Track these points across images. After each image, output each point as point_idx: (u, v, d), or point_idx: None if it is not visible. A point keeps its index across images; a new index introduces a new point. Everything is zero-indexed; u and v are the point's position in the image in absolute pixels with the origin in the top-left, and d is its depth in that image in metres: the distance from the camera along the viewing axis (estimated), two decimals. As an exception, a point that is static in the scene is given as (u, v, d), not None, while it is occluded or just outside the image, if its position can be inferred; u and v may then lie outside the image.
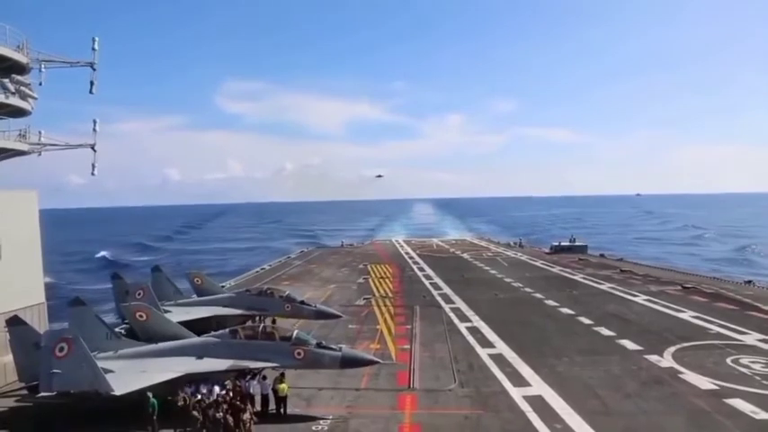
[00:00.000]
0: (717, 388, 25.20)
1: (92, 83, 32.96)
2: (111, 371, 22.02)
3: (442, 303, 46.25)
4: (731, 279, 56.41)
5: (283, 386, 23.35)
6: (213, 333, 26.71)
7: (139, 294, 31.50)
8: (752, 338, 32.91)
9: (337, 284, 56.96)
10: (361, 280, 59.71)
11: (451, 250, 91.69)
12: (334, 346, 25.13)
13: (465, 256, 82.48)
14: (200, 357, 24.58)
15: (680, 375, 27.19)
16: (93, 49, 32.91)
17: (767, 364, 28.06)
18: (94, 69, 32.75)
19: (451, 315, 41.65)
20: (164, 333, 26.93)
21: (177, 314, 32.33)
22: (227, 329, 26.45)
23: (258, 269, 69.31)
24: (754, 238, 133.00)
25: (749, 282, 53.85)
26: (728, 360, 29.11)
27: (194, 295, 39.22)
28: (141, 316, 27.74)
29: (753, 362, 28.59)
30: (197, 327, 29.78)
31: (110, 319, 32.48)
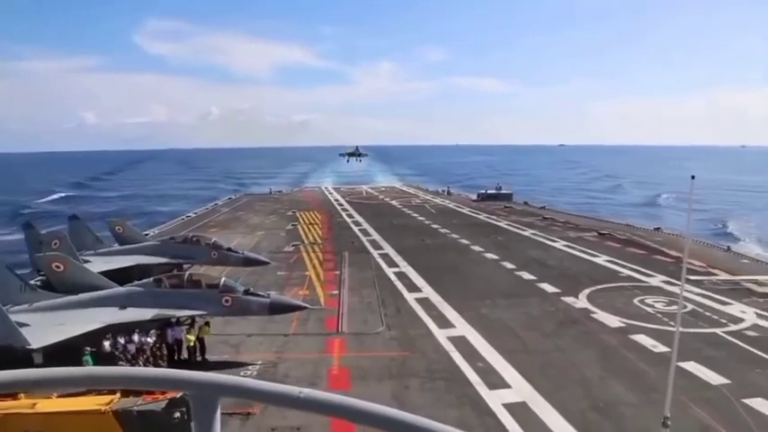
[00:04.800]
0: (624, 326, 27.23)
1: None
2: (26, 324, 21.15)
3: (371, 249, 46.83)
4: (642, 226, 59.87)
5: (190, 337, 23.39)
6: (137, 282, 26.03)
7: (55, 244, 30.10)
8: (657, 280, 35.44)
9: (266, 231, 56.36)
10: (289, 227, 59.31)
11: (381, 197, 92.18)
12: (262, 293, 25.13)
13: (394, 202, 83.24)
14: (123, 308, 23.99)
15: (592, 315, 29.08)
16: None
17: (668, 303, 30.41)
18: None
19: (380, 261, 42.32)
20: (83, 284, 25.99)
21: (97, 264, 31.21)
22: (151, 278, 25.87)
23: (184, 217, 67.40)
24: (664, 186, 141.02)
25: (657, 228, 57.35)
26: (636, 300, 31.33)
27: (116, 244, 37.88)
28: (58, 266, 26.58)
29: (656, 301, 30.93)
30: (119, 277, 28.85)
31: (23, 271, 30.85)
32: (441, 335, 26.13)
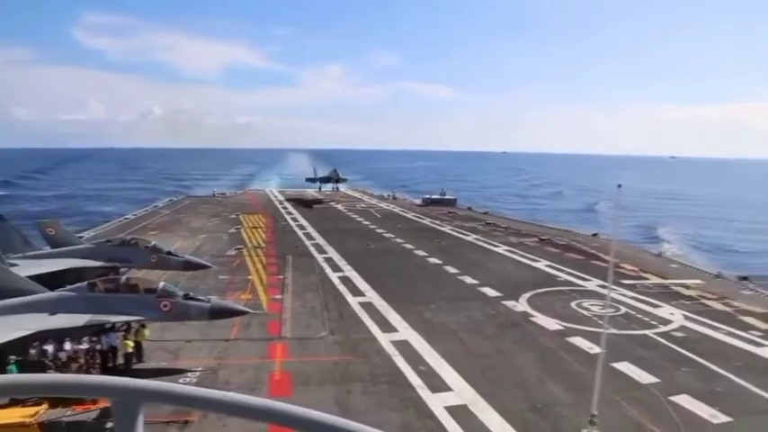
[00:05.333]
0: (562, 328, 28.06)
1: None
2: (-55, 331, 19.94)
3: (315, 253, 46.53)
4: (580, 232, 61.85)
5: (129, 342, 22.79)
6: (69, 287, 24.96)
7: (-22, 247, 28.52)
8: (593, 284, 36.66)
9: (208, 234, 55.14)
10: (232, 230, 58.19)
11: (326, 201, 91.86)
12: (202, 298, 24.56)
13: (339, 207, 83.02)
14: (53, 313, 22.93)
15: (532, 318, 29.81)
16: None
17: (603, 306, 31.40)
18: None
19: (324, 265, 42.09)
20: (9, 289, 24.63)
21: (26, 268, 29.69)
22: (84, 282, 24.85)
23: (121, 218, 65.17)
24: (601, 193, 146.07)
25: (595, 234, 59.43)
26: (573, 304, 32.33)
27: (47, 247, 36.21)
28: (-19, 270, 25.14)
29: (592, 305, 32.00)
30: (51, 281, 27.54)
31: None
32: (384, 339, 26.19)
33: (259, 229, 59.15)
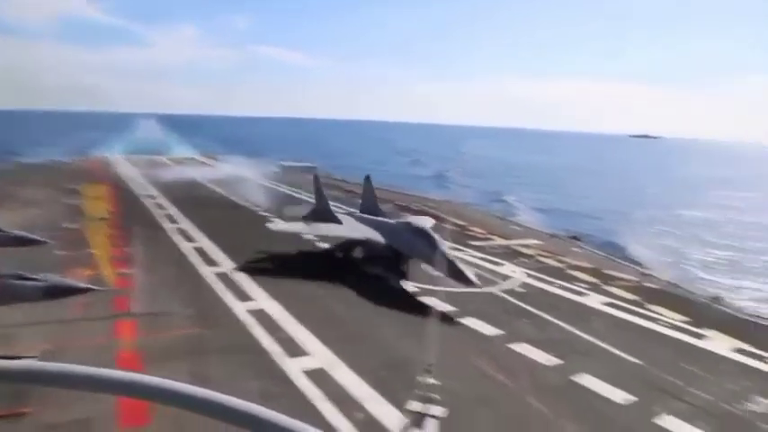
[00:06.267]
0: (417, 290, 29.46)
1: None
2: None
3: (167, 224, 44.19)
4: (434, 198, 64.76)
5: None
6: None
7: None
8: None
9: (42, 206, 49.94)
10: (71, 201, 53.29)
11: (178, 169, 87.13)
12: (36, 276, 22.29)
13: (193, 175, 79.20)
14: None
15: (389, 282, 30.90)
16: None
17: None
18: None
19: (176, 236, 40.16)
20: None
21: None
22: None
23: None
24: (455, 161, 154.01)
25: (447, 201, 62.68)
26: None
27: None
28: None
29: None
30: None
31: None
32: (240, 309, 25.66)
33: (102, 200, 54.73)
